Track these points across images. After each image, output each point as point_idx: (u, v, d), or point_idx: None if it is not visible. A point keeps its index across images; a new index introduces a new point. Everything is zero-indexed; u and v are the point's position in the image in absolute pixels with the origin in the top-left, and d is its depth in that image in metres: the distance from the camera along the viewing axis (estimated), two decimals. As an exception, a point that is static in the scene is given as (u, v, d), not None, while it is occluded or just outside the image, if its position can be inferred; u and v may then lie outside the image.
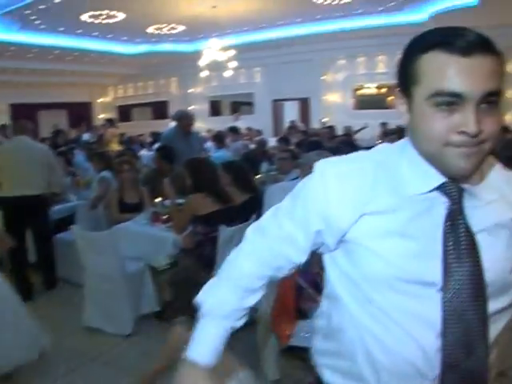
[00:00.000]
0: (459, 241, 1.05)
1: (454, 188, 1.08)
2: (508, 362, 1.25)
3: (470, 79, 0.96)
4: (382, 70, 16.10)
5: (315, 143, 6.39)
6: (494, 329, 1.10)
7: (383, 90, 16.06)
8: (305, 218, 1.20)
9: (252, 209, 4.36)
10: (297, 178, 4.75)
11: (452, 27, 1.02)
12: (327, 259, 1.27)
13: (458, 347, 1.05)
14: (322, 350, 1.34)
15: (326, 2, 11.48)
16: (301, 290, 2.65)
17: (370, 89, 16.57)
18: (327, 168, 1.18)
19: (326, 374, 1.31)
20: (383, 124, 12.94)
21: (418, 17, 13.30)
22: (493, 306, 1.08)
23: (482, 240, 1.07)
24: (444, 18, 12.81)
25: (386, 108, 15.00)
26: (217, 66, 13.71)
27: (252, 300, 1.35)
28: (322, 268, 1.30)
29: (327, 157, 1.26)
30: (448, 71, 0.97)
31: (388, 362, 1.12)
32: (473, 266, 1.05)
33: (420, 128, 1.04)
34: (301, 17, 13.05)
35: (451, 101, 0.98)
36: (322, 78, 16.55)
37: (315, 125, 15.29)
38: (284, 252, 1.27)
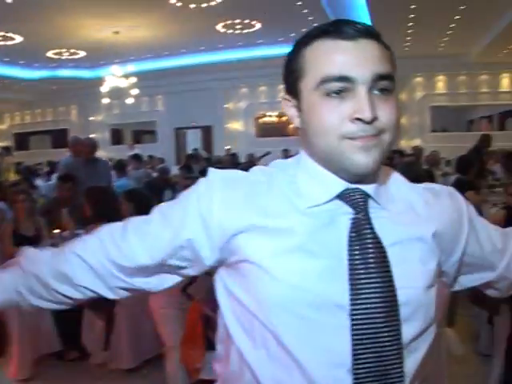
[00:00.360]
0: (367, 253, 0.92)
1: (358, 194, 0.96)
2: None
3: (358, 61, 0.89)
4: (281, 99, 16.53)
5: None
6: (414, 360, 0.95)
7: (284, 118, 16.49)
8: (180, 220, 1.02)
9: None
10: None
11: (336, 19, 0.96)
12: (219, 288, 1.06)
13: (370, 382, 0.90)
14: (221, 376, 1.12)
15: (228, 31, 11.65)
16: (208, 319, 2.58)
17: (272, 117, 16.99)
18: (216, 173, 1.05)
19: None
20: (285, 151, 13.19)
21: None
22: (409, 330, 0.93)
23: (393, 255, 0.93)
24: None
25: (288, 135, 15.39)
26: (118, 94, 13.48)
27: (66, 290, 1.13)
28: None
29: None
30: (334, 55, 0.91)
31: None
32: (383, 283, 0.91)
33: (312, 123, 0.93)
34: (204, 45, 13.18)
35: (341, 86, 0.89)
36: (224, 106, 16.77)
37: (218, 152, 15.37)
38: (134, 247, 1.06)
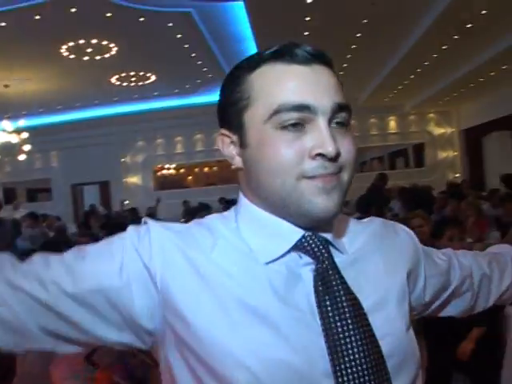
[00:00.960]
0: (340, 307, 0.79)
1: (317, 241, 0.83)
2: None
3: (316, 88, 0.79)
4: (180, 151, 16.56)
5: (119, 224, 6.20)
6: None
7: (182, 170, 16.50)
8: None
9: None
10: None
11: (285, 42, 0.83)
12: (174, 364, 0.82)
13: None
14: None
15: (123, 84, 11.53)
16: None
17: (170, 169, 16.92)
18: (153, 222, 0.86)
19: None
20: (185, 202, 13.09)
21: (212, 98, 14.03)
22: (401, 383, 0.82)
23: (364, 304, 0.82)
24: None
25: (186, 187, 15.34)
26: (10, 150, 12.77)
27: None
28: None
29: None
30: (289, 82, 0.79)
31: None
32: (365, 339, 0.78)
33: (264, 161, 0.80)
34: (98, 98, 12.91)
35: (299, 117, 0.78)
36: (121, 160, 16.44)
37: (117, 207, 14.95)
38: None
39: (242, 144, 0.84)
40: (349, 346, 0.76)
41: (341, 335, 0.77)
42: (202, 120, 15.16)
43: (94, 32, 8.17)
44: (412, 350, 0.85)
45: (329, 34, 8.73)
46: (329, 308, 0.79)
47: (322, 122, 0.78)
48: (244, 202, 0.89)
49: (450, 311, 1.10)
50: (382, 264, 0.89)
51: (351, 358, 0.76)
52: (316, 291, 0.80)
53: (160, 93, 12.86)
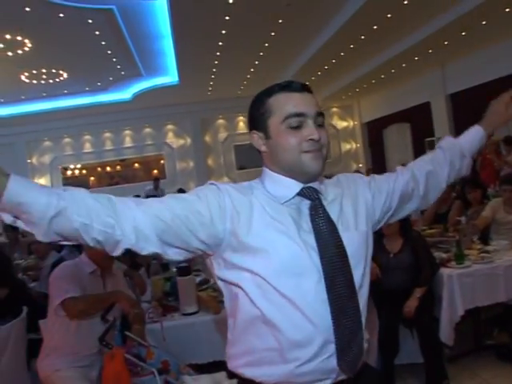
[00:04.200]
0: (321, 223, 1.42)
1: (310, 190, 1.46)
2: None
3: (306, 104, 1.42)
4: (88, 150, 16.23)
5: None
6: (362, 295, 1.46)
7: (84, 171, 16.31)
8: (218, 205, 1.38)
9: (16, 302, 3.90)
10: (59, 259, 4.47)
11: (288, 80, 1.48)
12: (231, 263, 1.40)
13: (340, 299, 1.38)
14: (234, 355, 1.50)
15: (34, 81, 11.12)
16: (130, 364, 2.51)
17: (77, 169, 16.55)
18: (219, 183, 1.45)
19: (245, 372, 1.46)
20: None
21: (122, 96, 13.92)
22: (356, 273, 1.44)
23: (339, 225, 1.45)
24: (147, 96, 13.70)
25: (90, 187, 15.13)
26: None
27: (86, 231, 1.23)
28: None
29: None
30: (292, 101, 1.41)
31: (291, 340, 1.36)
32: (337, 241, 1.41)
33: (280, 145, 1.41)
34: (4, 97, 12.38)
35: (298, 120, 1.39)
36: (27, 161, 15.83)
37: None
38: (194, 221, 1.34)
39: (267, 137, 1.45)
40: (329, 246, 1.40)
41: (325, 240, 1.40)
42: (112, 117, 15.03)
43: (9, 27, 7.90)
44: (361, 255, 1.49)
45: (245, 33, 9.07)
46: (317, 223, 1.42)
47: (310, 122, 1.41)
48: (267, 171, 1.50)
49: (410, 208, 1.72)
50: (349, 200, 1.54)
51: (330, 253, 1.39)
52: (310, 215, 1.44)
53: (70, 91, 12.56)
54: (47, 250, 5.11)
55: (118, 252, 1.29)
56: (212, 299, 3.51)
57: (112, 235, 1.25)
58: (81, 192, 1.25)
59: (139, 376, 2.52)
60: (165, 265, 4.83)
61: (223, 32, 8.95)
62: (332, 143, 17.52)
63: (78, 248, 4.44)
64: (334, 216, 1.45)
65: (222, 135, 17.39)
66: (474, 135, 1.77)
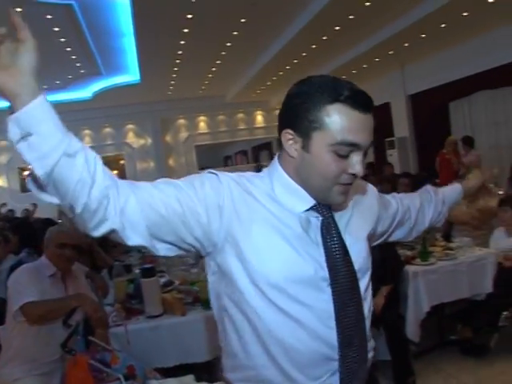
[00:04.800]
0: (334, 242, 1.28)
1: (322, 206, 1.28)
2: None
3: (365, 133, 1.19)
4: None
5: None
6: (366, 305, 1.35)
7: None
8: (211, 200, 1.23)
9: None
10: (17, 262, 4.31)
11: (354, 89, 1.19)
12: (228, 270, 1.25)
13: (349, 328, 1.26)
14: (231, 367, 1.34)
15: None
16: (94, 370, 2.42)
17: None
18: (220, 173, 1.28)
19: None
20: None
21: (83, 95, 13.65)
22: (362, 285, 1.33)
23: (346, 235, 1.31)
24: (108, 95, 13.48)
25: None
26: None
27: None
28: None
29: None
30: (352, 125, 1.17)
31: (296, 361, 1.24)
32: (345, 260, 1.28)
33: (318, 168, 1.20)
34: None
35: (350, 150, 1.18)
36: (-17, 161, 15.41)
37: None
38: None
39: (305, 148, 1.22)
40: (337, 261, 1.27)
41: (334, 256, 1.27)
42: (72, 116, 14.67)
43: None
44: (367, 269, 1.37)
45: (207, 32, 8.98)
46: (328, 240, 1.27)
47: (360, 154, 1.21)
48: (280, 171, 1.29)
49: (397, 235, 1.67)
50: (359, 215, 1.39)
51: (338, 268, 1.26)
52: (321, 231, 1.27)
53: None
54: (4, 253, 4.92)
55: (100, 231, 1.10)
56: (177, 301, 3.43)
57: (104, 208, 1.07)
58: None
59: (104, 382, 2.43)
60: (127, 266, 4.74)
61: (185, 31, 8.85)
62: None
63: (37, 251, 4.30)
64: (342, 225, 1.32)
65: (183, 135, 17.27)
66: (453, 189, 1.80)
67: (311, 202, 1.27)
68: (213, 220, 1.19)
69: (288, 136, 1.23)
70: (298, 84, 1.25)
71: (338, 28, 8.92)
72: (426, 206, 1.69)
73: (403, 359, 3.59)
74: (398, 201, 1.60)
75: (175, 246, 1.21)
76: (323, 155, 1.19)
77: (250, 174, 1.33)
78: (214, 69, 12.23)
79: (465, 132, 9.07)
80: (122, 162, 16.84)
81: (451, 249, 4.29)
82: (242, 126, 17.59)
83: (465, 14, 8.27)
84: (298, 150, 1.23)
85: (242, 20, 8.57)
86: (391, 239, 1.68)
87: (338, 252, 1.27)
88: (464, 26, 8.86)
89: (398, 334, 3.65)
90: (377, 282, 3.60)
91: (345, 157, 1.18)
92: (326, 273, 1.24)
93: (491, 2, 7.74)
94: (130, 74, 12.21)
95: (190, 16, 8.10)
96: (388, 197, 1.61)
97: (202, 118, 17.18)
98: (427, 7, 8.04)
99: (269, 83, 13.87)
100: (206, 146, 17.89)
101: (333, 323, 1.24)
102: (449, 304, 4.14)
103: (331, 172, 1.19)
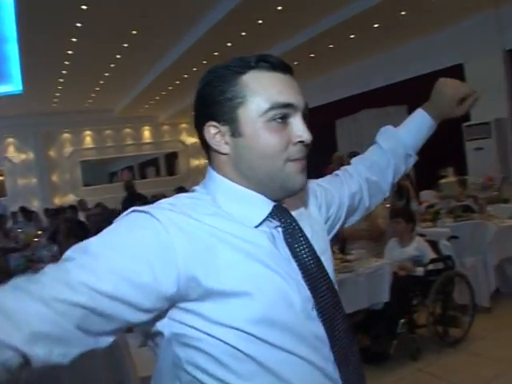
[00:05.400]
0: (304, 250, 1.07)
1: (281, 210, 1.08)
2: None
3: (294, 92, 1.02)
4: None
5: None
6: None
7: None
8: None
9: None
10: None
11: (261, 54, 1.04)
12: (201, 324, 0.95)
13: (343, 348, 1.07)
14: None
15: None
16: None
17: None
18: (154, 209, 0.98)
19: None
20: None
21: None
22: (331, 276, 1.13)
23: (315, 246, 1.11)
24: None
25: None
26: None
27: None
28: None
29: None
30: (277, 86, 1.00)
31: None
32: (324, 276, 1.08)
33: (259, 148, 1.00)
34: None
35: (285, 112, 1.00)
36: None
37: None
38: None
39: (236, 133, 1.01)
40: (315, 275, 1.06)
41: (310, 270, 1.05)
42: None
43: None
44: (332, 260, 1.20)
45: (97, 40, 8.86)
46: (297, 251, 1.06)
47: (299, 117, 1.02)
48: (219, 179, 1.06)
49: (355, 219, 1.45)
50: (310, 214, 1.20)
51: (318, 284, 1.05)
52: (287, 242, 1.05)
53: None
54: None
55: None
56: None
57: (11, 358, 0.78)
58: None
59: None
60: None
61: (74, 40, 8.67)
62: (182, 159, 17.71)
63: None
64: (307, 231, 1.11)
65: (68, 150, 16.71)
66: (421, 129, 1.48)
67: (269, 204, 1.05)
68: (161, 273, 0.89)
69: (212, 131, 1.03)
70: (204, 76, 1.07)
71: (229, 44, 9.17)
72: (381, 176, 1.45)
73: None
74: (339, 186, 1.37)
75: (118, 329, 0.91)
76: (259, 131, 1.00)
77: (182, 196, 1.07)
78: (102, 81, 12.03)
79: (351, 148, 9.64)
80: (1, 177, 15.89)
81: (349, 261, 4.34)
82: (129, 141, 17.35)
83: (352, 36, 8.94)
84: (228, 142, 1.02)
85: (133, 32, 8.56)
86: (347, 226, 1.45)
87: (312, 264, 1.06)
88: (350, 48, 9.59)
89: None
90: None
91: (283, 124, 1.00)
92: (307, 292, 1.04)
93: (376, 27, 8.48)
94: (13, 83, 11.64)
95: (79, 24, 7.96)
96: (325, 185, 1.35)
97: (87, 132, 16.73)
98: (299, 39, 8.56)
99: (158, 98, 13.87)
100: (91, 162, 17.41)
101: (328, 352, 1.04)
102: (348, 315, 4.28)
103: (275, 146, 1.00)
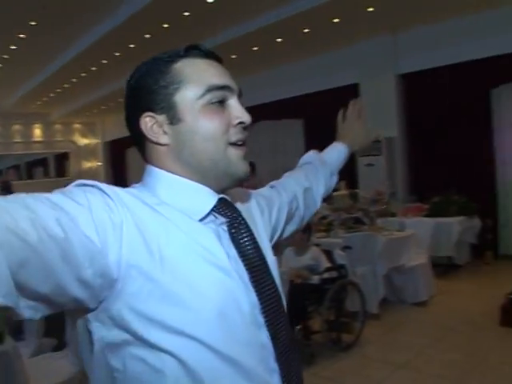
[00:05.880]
0: (248, 245, 1.05)
1: (226, 203, 1.06)
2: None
3: (228, 76, 1.04)
4: None
5: None
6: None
7: None
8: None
9: None
10: None
11: (192, 44, 1.05)
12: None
13: (287, 359, 1.03)
14: None
15: None
16: None
17: None
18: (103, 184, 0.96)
19: None
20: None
21: None
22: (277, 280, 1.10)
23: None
24: None
25: None
26: None
27: None
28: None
29: None
30: (212, 70, 1.02)
31: None
32: (270, 279, 1.06)
33: (201, 131, 0.99)
34: None
35: (223, 95, 1.01)
36: None
37: None
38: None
39: (174, 121, 1.00)
40: (262, 276, 1.03)
41: (257, 270, 1.03)
42: None
43: None
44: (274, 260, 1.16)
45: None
46: (243, 247, 1.03)
47: (235, 99, 1.04)
48: (159, 172, 1.02)
49: (291, 229, 1.45)
50: (254, 219, 1.18)
51: (264, 286, 1.02)
52: (232, 238, 1.02)
53: None
54: None
55: None
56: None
57: None
58: None
59: None
60: None
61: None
62: (72, 160, 17.04)
63: None
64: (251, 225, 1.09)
65: None
66: (340, 154, 1.64)
67: (213, 196, 1.03)
68: (107, 245, 0.84)
69: (149, 122, 1.00)
70: (134, 72, 1.06)
71: (132, 46, 8.99)
72: (315, 185, 1.52)
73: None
74: (277, 195, 1.38)
75: (47, 301, 0.80)
76: (199, 114, 0.99)
77: (122, 190, 0.97)
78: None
79: (249, 158, 9.86)
80: None
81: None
82: (17, 139, 16.39)
83: (254, 48, 9.10)
84: (167, 132, 1.00)
85: (32, 23, 8.11)
86: (284, 237, 1.44)
87: (258, 263, 1.04)
88: (252, 60, 9.75)
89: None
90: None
91: (222, 107, 1.01)
92: (254, 295, 1.00)
93: (279, 42, 8.70)
94: None
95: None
96: (264, 193, 1.36)
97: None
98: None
99: (52, 95, 13.27)
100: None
101: (273, 363, 1.00)
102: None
103: (216, 128, 0.99)
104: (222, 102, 1.01)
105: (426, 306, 5.69)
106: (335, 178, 1.62)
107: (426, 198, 7.84)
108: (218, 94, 1.00)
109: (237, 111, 1.02)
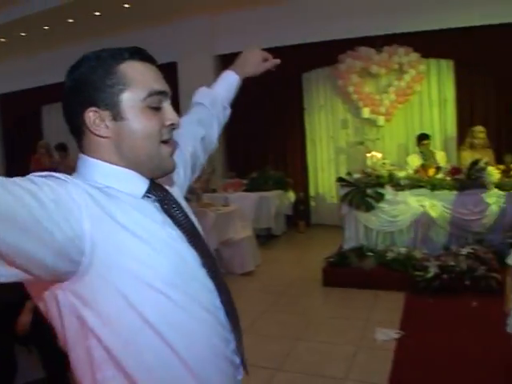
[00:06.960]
0: (186, 225, 1.19)
1: (155, 184, 1.19)
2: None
3: (163, 81, 1.16)
4: None
5: None
6: None
7: None
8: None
9: None
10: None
11: (132, 46, 1.15)
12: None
13: (227, 298, 1.23)
14: None
15: None
16: None
17: None
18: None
19: None
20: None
21: None
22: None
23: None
24: None
25: None
26: None
27: None
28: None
29: None
30: (151, 75, 1.13)
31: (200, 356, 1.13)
32: (203, 241, 1.24)
33: (140, 130, 1.10)
34: None
35: (160, 99, 1.13)
36: None
37: None
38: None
39: (117, 118, 1.09)
40: (189, 230, 1.19)
41: (185, 226, 1.18)
42: None
43: None
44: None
45: None
46: (177, 218, 1.18)
47: (168, 103, 1.16)
48: (96, 161, 1.12)
49: (195, 176, 1.60)
50: (178, 192, 1.32)
51: (191, 232, 1.20)
52: (167, 213, 1.16)
53: None
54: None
55: None
56: None
57: None
58: None
59: None
60: None
61: None
62: None
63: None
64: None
65: None
66: (230, 84, 1.74)
67: (145, 181, 1.15)
68: (78, 221, 0.95)
69: (92, 116, 1.09)
70: (77, 65, 1.12)
71: None
72: (209, 129, 1.66)
73: (61, 373, 3.22)
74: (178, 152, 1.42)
75: (24, 268, 0.91)
76: (140, 115, 1.10)
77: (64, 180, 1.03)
78: None
79: (58, 136, 9.32)
80: None
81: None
82: None
83: (46, 27, 8.77)
84: (109, 126, 1.10)
85: None
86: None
87: (191, 229, 1.21)
88: (63, 33, 9.28)
89: (53, 348, 3.32)
90: (21, 298, 3.25)
91: (158, 109, 1.12)
92: (194, 252, 1.17)
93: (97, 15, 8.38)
94: None
95: None
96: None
97: None
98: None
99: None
100: None
101: (219, 304, 1.20)
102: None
103: (153, 128, 1.11)
104: (158, 104, 1.13)
105: (254, 275, 6.05)
106: (228, 110, 1.75)
107: (245, 173, 8.30)
108: (156, 98, 1.12)
109: (170, 114, 1.15)
